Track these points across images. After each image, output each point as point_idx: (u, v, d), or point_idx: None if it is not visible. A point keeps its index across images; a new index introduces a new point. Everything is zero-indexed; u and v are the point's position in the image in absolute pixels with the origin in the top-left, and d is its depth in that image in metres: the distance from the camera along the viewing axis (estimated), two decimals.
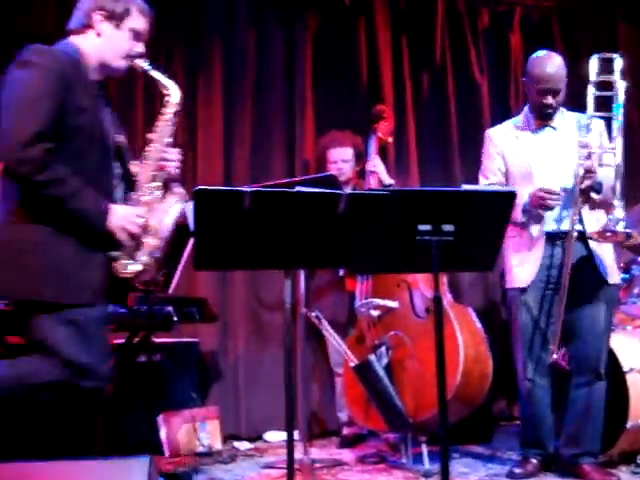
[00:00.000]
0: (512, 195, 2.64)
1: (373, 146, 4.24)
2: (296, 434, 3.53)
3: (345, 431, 4.27)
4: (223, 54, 4.74)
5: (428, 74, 5.10)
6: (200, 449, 3.91)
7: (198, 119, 4.62)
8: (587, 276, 3.27)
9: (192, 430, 3.91)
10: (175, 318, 3.50)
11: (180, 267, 3.78)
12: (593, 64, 3.23)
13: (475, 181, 3.51)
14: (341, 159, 4.29)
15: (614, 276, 3.35)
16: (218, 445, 4.01)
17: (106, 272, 2.47)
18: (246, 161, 4.71)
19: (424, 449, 3.53)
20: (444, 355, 2.52)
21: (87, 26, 2.56)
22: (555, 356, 3.24)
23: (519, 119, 3.49)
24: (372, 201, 2.44)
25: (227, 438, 4.27)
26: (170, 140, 2.66)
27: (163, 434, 3.82)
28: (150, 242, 2.55)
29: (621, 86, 3.19)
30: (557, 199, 3.19)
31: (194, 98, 4.63)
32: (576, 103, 3.43)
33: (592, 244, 3.26)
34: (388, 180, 4.18)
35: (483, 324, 3.80)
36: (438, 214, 2.52)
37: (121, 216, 2.45)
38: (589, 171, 3.14)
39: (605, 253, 3.31)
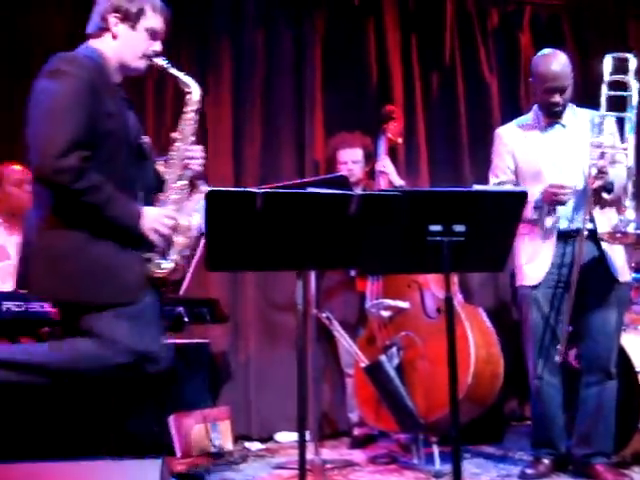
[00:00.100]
0: (523, 195, 2.63)
1: (383, 147, 4.23)
2: (307, 435, 3.53)
3: (356, 432, 4.26)
4: (232, 53, 4.75)
5: (438, 74, 5.09)
6: (212, 450, 3.91)
7: (207, 118, 4.62)
8: (598, 275, 3.26)
9: (204, 431, 3.91)
10: (186, 319, 3.51)
11: (191, 268, 3.79)
12: (607, 64, 3.19)
13: (485, 181, 3.50)
14: (351, 160, 4.29)
15: (625, 275, 3.33)
16: (229, 446, 4.00)
17: (144, 267, 2.51)
18: (256, 160, 4.72)
19: (435, 450, 3.52)
20: (455, 355, 2.51)
21: (104, 29, 2.59)
22: (559, 357, 3.22)
23: (528, 117, 3.48)
24: (383, 202, 2.44)
25: (238, 439, 4.26)
26: (193, 138, 2.67)
27: (175, 435, 3.82)
28: (180, 241, 2.58)
29: (635, 86, 3.17)
30: (569, 193, 3.18)
31: (203, 97, 4.61)
32: (585, 101, 3.42)
33: (603, 244, 3.25)
34: (398, 181, 4.16)
35: (494, 324, 3.78)
36: (449, 214, 2.52)
37: (152, 218, 2.49)
38: (601, 171, 3.12)
39: (616, 252, 3.29)
